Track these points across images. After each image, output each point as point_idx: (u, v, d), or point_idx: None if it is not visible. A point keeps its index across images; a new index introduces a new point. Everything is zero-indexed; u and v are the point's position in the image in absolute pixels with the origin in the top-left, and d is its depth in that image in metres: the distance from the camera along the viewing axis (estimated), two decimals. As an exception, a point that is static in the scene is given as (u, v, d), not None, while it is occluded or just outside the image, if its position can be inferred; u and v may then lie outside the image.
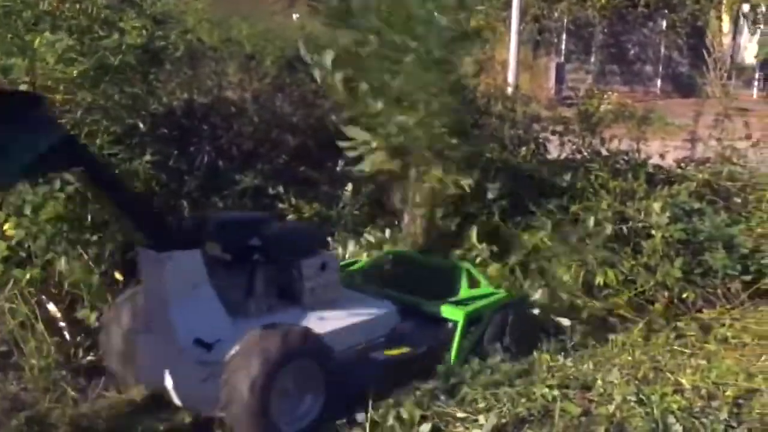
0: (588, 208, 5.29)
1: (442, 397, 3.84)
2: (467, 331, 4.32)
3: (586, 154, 6.34)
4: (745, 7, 21.44)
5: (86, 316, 4.35)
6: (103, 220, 4.52)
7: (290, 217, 5.25)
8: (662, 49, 22.37)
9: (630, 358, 4.49)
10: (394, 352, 4.09)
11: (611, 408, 3.80)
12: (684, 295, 5.15)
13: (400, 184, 5.30)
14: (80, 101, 4.72)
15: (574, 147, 6.41)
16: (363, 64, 4.90)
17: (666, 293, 5.13)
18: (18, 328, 4.12)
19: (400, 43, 4.79)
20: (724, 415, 3.80)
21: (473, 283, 4.76)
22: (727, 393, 4.05)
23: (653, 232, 5.12)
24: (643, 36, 22.75)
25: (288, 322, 3.67)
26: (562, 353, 4.47)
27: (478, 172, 5.32)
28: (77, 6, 4.93)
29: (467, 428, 3.61)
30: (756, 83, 21.16)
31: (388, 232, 5.40)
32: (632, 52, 22.69)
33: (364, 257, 5.14)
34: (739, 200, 6.21)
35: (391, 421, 3.61)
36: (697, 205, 5.68)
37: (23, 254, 4.39)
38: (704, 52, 9.23)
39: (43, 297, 4.30)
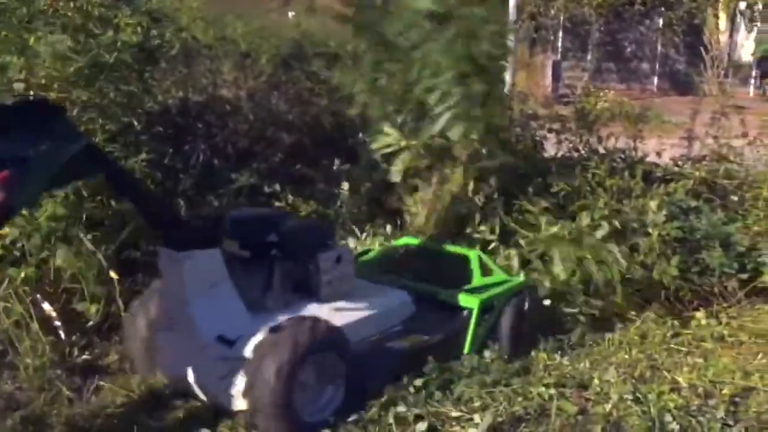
0: (585, 207, 5.27)
1: (438, 396, 3.82)
2: (482, 319, 4.37)
3: (583, 152, 6.33)
4: (742, 5, 21.46)
5: (86, 309, 4.35)
6: (99, 220, 4.51)
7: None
8: (659, 47, 22.39)
9: (627, 356, 4.49)
10: (410, 341, 4.14)
11: (608, 407, 3.80)
12: (681, 294, 5.14)
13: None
14: (75, 99, 4.70)
15: (571, 145, 6.40)
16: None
17: (662, 291, 5.13)
18: (13, 327, 4.09)
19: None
20: (720, 414, 3.80)
21: (485, 271, 4.78)
22: (724, 391, 4.05)
23: (650, 230, 5.11)
24: (639, 34, 22.78)
25: (306, 315, 3.72)
26: (559, 352, 4.47)
27: (497, 181, 5.39)
28: (71, 3, 4.90)
29: (463, 427, 3.60)
30: (752, 81, 21.19)
31: (389, 228, 5.43)
32: (629, 49, 22.71)
33: (375, 247, 5.20)
34: (735, 198, 6.20)
35: (390, 419, 3.60)
36: (693, 203, 5.67)
37: (17, 253, 4.37)
38: (702, 49, 9.20)
39: (38, 296, 4.28)
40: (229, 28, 6.98)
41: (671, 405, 3.82)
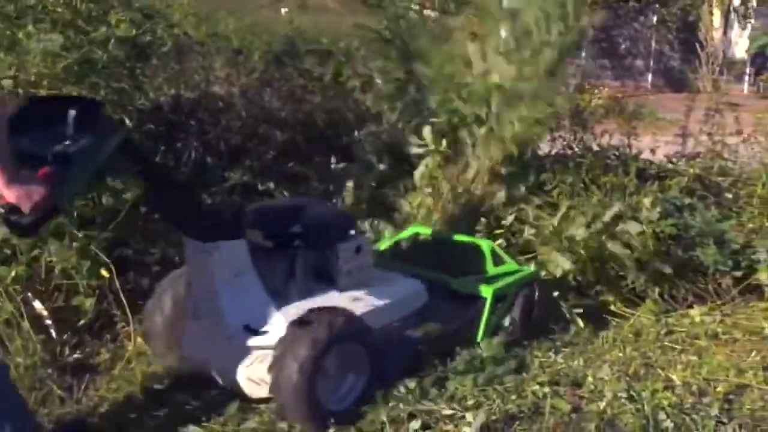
0: (579, 204, 5.26)
1: (432, 394, 3.81)
2: (494, 308, 4.44)
3: (577, 149, 6.32)
4: (736, 2, 21.49)
5: (80, 303, 4.33)
6: (90, 218, 4.48)
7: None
8: (653, 44, 22.41)
9: (621, 354, 4.48)
10: (426, 329, 4.23)
11: (602, 405, 3.79)
12: (675, 291, 5.13)
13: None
14: (65, 97, 4.67)
15: (565, 143, 6.39)
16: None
17: (657, 289, 5.12)
18: (3, 326, 4.06)
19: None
20: (714, 411, 3.80)
21: (497, 261, 4.83)
22: (718, 389, 4.05)
23: (644, 227, 5.09)
24: (634, 30, 22.79)
25: (327, 304, 3.80)
26: (553, 350, 4.46)
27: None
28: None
29: (456, 425, 3.58)
30: (747, 78, 21.22)
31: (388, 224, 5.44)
32: (623, 46, 22.72)
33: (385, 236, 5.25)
34: (730, 195, 6.20)
35: (383, 417, 3.59)
36: (687, 201, 5.67)
37: (8, 251, 4.34)
38: (697, 46, 9.24)
39: (29, 294, 4.25)
40: (222, 24, 6.97)
41: (665, 403, 3.82)
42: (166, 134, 5.38)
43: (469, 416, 3.60)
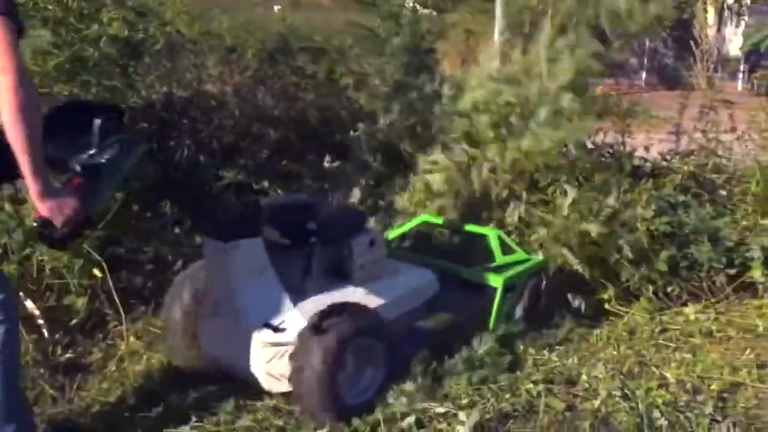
0: (573, 202, 5.25)
1: (427, 392, 3.80)
2: (505, 297, 4.51)
3: (571, 147, 6.29)
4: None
5: (73, 302, 4.32)
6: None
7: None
8: (647, 42, 22.41)
9: (615, 352, 4.47)
10: (440, 320, 4.30)
11: (596, 403, 3.78)
12: (669, 289, 5.13)
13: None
14: (57, 95, 4.65)
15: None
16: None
17: (651, 287, 5.11)
18: (-5, 326, 4.04)
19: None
20: (709, 409, 3.79)
21: (506, 250, 4.88)
22: (712, 387, 4.04)
23: (638, 225, 5.09)
24: (628, 28, 22.75)
25: (343, 299, 3.87)
26: (547, 348, 4.45)
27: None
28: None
29: (450, 424, 3.57)
30: (741, 75, 21.24)
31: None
32: (616, 44, 22.70)
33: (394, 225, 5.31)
34: (724, 193, 6.19)
35: (377, 416, 3.59)
36: (682, 198, 5.66)
37: (-1, 250, 4.33)
38: (691, 43, 9.21)
39: (21, 294, 4.23)
40: (215, 22, 6.93)
41: (659, 401, 3.81)
42: (159, 133, 5.35)
43: (462, 415, 3.59)
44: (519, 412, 3.71)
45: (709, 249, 5.16)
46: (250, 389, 3.83)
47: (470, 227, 5.10)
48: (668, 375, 4.15)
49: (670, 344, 4.61)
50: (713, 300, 5.11)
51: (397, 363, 3.90)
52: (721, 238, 5.31)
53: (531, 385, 3.91)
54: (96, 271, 4.39)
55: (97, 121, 2.97)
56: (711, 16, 19.64)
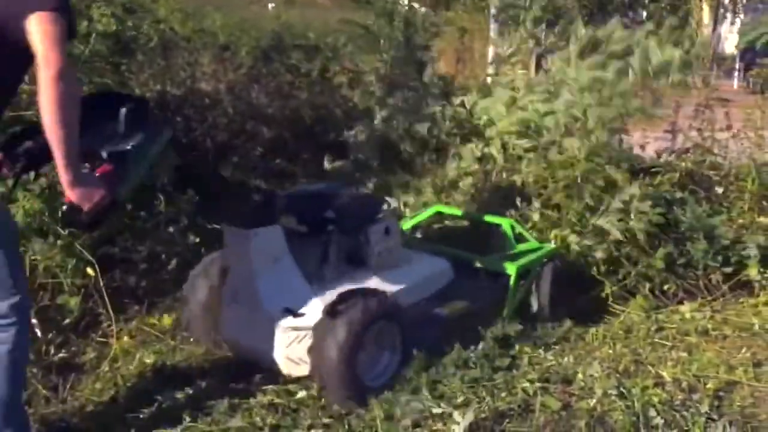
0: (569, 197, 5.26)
1: (424, 392, 3.77)
2: (518, 285, 4.59)
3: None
4: (725, -3, 21.54)
5: (66, 302, 4.29)
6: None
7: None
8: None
9: (611, 351, 4.45)
10: (455, 307, 4.35)
11: (592, 402, 3.76)
12: (666, 287, 5.12)
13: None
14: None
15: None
16: None
17: (647, 284, 5.10)
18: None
19: None
20: (704, 408, 3.77)
21: (519, 239, 4.99)
22: (708, 385, 4.03)
23: (633, 216, 5.09)
24: (623, 26, 22.76)
25: (360, 285, 3.99)
26: (543, 347, 4.43)
27: None
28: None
29: (445, 424, 3.55)
30: (737, 74, 21.25)
31: None
32: (613, 42, 22.70)
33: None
34: (720, 190, 6.17)
35: (373, 415, 3.57)
36: (678, 195, 5.65)
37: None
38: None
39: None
40: (208, 20, 6.92)
41: (655, 400, 3.78)
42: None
43: (458, 414, 3.56)
44: (515, 411, 3.68)
45: (705, 246, 5.15)
46: (244, 389, 3.83)
47: (483, 216, 5.19)
48: (664, 374, 4.13)
49: (666, 343, 4.59)
50: (709, 298, 5.10)
51: (414, 348, 3.97)
52: (718, 235, 5.30)
53: (527, 384, 3.89)
54: (89, 271, 4.37)
55: (123, 110, 3.06)
56: (706, 14, 19.67)
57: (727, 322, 4.88)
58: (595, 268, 5.12)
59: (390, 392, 3.77)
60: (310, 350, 3.72)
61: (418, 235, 5.23)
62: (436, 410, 3.63)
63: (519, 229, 5.05)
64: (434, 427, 3.55)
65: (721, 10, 21.65)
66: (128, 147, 3.06)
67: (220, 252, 4.17)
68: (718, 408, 3.85)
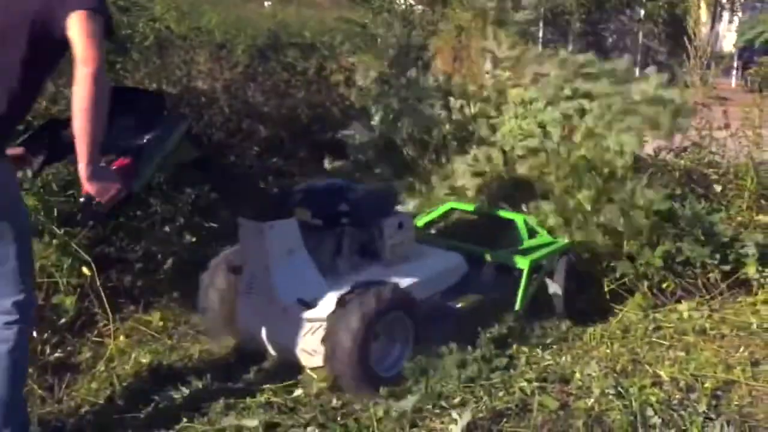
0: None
1: (419, 391, 3.77)
2: (531, 279, 4.66)
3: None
4: (723, -5, 21.54)
5: (61, 301, 4.28)
6: (69, 215, 4.42)
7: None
8: (640, 38, 22.42)
9: (608, 350, 4.44)
10: (468, 300, 4.41)
11: (589, 401, 3.75)
12: (664, 285, 5.11)
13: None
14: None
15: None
16: None
17: (646, 282, 5.10)
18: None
19: None
20: (702, 407, 3.76)
21: (532, 233, 5.06)
22: (706, 385, 4.01)
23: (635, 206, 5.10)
24: (621, 24, 22.79)
25: (373, 278, 4.07)
26: (540, 346, 4.42)
27: None
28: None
29: (443, 423, 3.54)
30: (734, 72, 21.25)
31: None
32: (610, 40, 22.72)
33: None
34: (719, 188, 6.17)
35: (370, 414, 3.56)
36: (679, 191, 5.64)
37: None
38: (685, 40, 9.22)
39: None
40: (204, 18, 6.90)
41: (653, 399, 3.78)
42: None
43: (455, 414, 3.55)
44: (512, 410, 3.67)
45: (704, 244, 5.14)
46: (240, 388, 3.83)
47: (497, 212, 5.25)
48: (662, 373, 4.12)
49: (664, 342, 4.59)
50: (707, 297, 5.09)
51: (427, 341, 4.03)
52: (716, 233, 5.29)
53: (524, 384, 3.88)
54: (85, 270, 4.36)
55: (139, 104, 3.13)
56: (704, 12, 19.66)
57: (725, 321, 4.87)
58: (594, 266, 5.13)
59: (385, 391, 3.77)
60: (323, 340, 3.78)
61: (432, 230, 5.29)
62: (434, 410, 3.63)
63: (532, 224, 5.11)
64: (431, 426, 3.54)
65: (719, 9, 21.66)
66: (143, 141, 3.14)
67: (234, 248, 4.26)
68: (716, 407, 3.83)
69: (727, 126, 6.62)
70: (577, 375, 4.04)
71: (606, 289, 5.08)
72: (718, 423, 3.64)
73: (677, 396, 3.89)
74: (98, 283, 4.33)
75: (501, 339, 4.31)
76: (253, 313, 4.10)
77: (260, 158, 5.67)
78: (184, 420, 3.53)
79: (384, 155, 5.85)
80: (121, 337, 4.31)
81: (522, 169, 5.48)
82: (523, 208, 5.37)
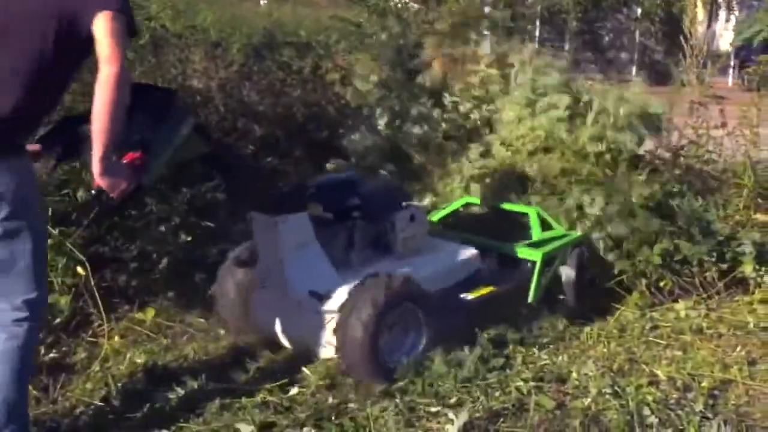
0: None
1: (415, 391, 3.77)
2: (544, 271, 4.71)
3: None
4: (720, -6, 21.55)
5: (56, 301, 4.26)
6: (64, 214, 4.40)
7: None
8: (637, 37, 22.44)
9: (605, 350, 4.44)
10: (480, 292, 4.45)
11: (586, 401, 3.75)
12: (662, 283, 5.10)
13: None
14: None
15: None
16: None
17: (644, 281, 5.09)
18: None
19: None
20: (699, 407, 3.76)
21: (545, 226, 5.09)
22: (703, 384, 4.01)
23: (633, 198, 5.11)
24: (618, 23, 22.81)
25: (385, 269, 4.08)
26: (537, 346, 4.41)
27: None
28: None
29: (439, 423, 3.54)
30: (731, 71, 21.27)
31: None
32: (606, 39, 22.74)
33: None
34: (715, 187, 6.16)
35: (366, 413, 3.55)
36: (677, 188, 5.63)
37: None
38: (681, 38, 9.21)
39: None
40: (200, 16, 6.88)
41: (650, 398, 3.78)
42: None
43: (452, 413, 3.55)
44: (509, 410, 3.67)
45: (701, 242, 5.13)
46: (236, 388, 3.80)
47: (510, 206, 5.28)
48: (659, 372, 4.12)
49: (661, 341, 4.58)
50: (704, 296, 5.08)
51: (440, 333, 4.08)
52: (713, 231, 5.28)
53: (521, 383, 3.88)
54: (80, 270, 4.34)
55: (149, 99, 3.16)
56: (700, 11, 19.68)
57: (721, 320, 4.86)
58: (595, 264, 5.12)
59: (382, 390, 3.76)
60: (335, 329, 3.83)
61: (447, 224, 5.30)
62: (430, 409, 3.62)
63: (545, 216, 5.14)
64: (428, 426, 3.53)
65: (716, 7, 21.68)
66: (153, 135, 3.19)
67: (249, 243, 4.32)
68: (713, 407, 3.83)
69: (723, 125, 6.61)
70: (574, 374, 4.03)
71: (605, 286, 5.09)
72: (715, 422, 3.64)
73: (674, 395, 3.89)
74: (93, 283, 4.32)
75: (499, 338, 4.31)
76: (267, 307, 4.18)
77: (255, 157, 5.65)
78: (180, 420, 3.52)
79: (389, 159, 5.83)
80: (116, 337, 4.30)
81: (530, 165, 5.47)
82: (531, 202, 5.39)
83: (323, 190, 4.38)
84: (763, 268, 5.24)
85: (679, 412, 3.70)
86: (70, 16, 2.89)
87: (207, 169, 5.04)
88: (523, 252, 4.76)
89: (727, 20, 22.80)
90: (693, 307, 4.97)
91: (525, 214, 5.19)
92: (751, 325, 4.80)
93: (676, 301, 5.07)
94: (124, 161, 3.07)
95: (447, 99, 6.04)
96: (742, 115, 6.69)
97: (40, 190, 4.30)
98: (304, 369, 4.01)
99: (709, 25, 20.75)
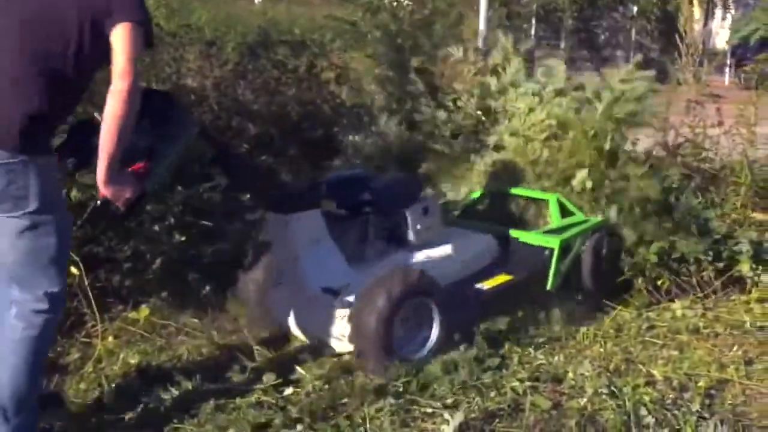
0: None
1: (411, 391, 3.76)
2: (563, 257, 4.73)
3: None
4: (716, -8, 21.57)
5: None
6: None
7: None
8: (633, 35, 22.44)
9: (601, 349, 4.42)
10: (497, 281, 4.52)
11: (582, 401, 3.74)
12: (659, 282, 5.09)
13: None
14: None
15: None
16: None
17: (641, 279, 5.08)
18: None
19: None
20: (696, 407, 3.75)
21: (565, 213, 5.11)
22: (699, 384, 3.99)
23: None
24: (613, 21, 22.82)
25: (398, 263, 4.20)
26: (533, 346, 4.39)
27: None
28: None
29: (435, 423, 3.53)
30: (728, 69, 21.27)
31: None
32: (602, 37, 22.75)
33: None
34: (713, 186, 6.16)
35: (362, 413, 3.54)
36: (675, 184, 5.62)
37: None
38: (676, 37, 9.18)
39: None
40: (194, 15, 6.86)
41: (646, 398, 3.76)
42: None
43: (447, 414, 3.54)
44: (505, 410, 3.66)
45: (698, 240, 5.12)
46: (230, 388, 3.79)
47: (530, 192, 5.28)
48: (655, 372, 4.11)
49: (657, 341, 4.57)
50: (701, 295, 5.07)
51: (464, 321, 4.15)
52: (711, 229, 5.28)
53: (517, 384, 3.87)
54: (73, 270, 4.30)
55: (151, 104, 3.14)
56: (696, 9, 19.68)
57: (718, 319, 4.85)
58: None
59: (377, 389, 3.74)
60: (350, 319, 3.89)
61: (468, 213, 5.35)
62: (426, 410, 3.61)
63: (565, 202, 5.15)
64: (423, 427, 3.52)
65: (712, 5, 21.69)
66: (156, 141, 3.21)
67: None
68: (710, 406, 3.82)
69: (720, 123, 6.60)
70: (570, 374, 4.02)
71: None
72: (712, 422, 3.63)
73: (671, 395, 3.88)
74: (86, 283, 4.29)
75: (495, 338, 4.29)
76: (283, 302, 4.24)
77: (250, 156, 5.63)
78: (174, 421, 3.51)
79: (395, 161, 5.83)
80: (110, 338, 4.27)
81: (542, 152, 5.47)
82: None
83: (335, 187, 4.43)
84: (760, 267, 5.24)
85: (676, 412, 3.69)
86: (95, 21, 2.93)
87: (205, 169, 5.04)
88: (540, 239, 4.76)
89: (723, 18, 22.80)
90: (690, 306, 4.96)
91: (545, 201, 5.21)
92: (748, 325, 4.79)
93: (672, 300, 5.05)
94: (128, 170, 3.10)
95: (449, 98, 6.02)
96: (740, 114, 6.68)
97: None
98: (298, 369, 4.00)
99: (705, 24, 20.75)
